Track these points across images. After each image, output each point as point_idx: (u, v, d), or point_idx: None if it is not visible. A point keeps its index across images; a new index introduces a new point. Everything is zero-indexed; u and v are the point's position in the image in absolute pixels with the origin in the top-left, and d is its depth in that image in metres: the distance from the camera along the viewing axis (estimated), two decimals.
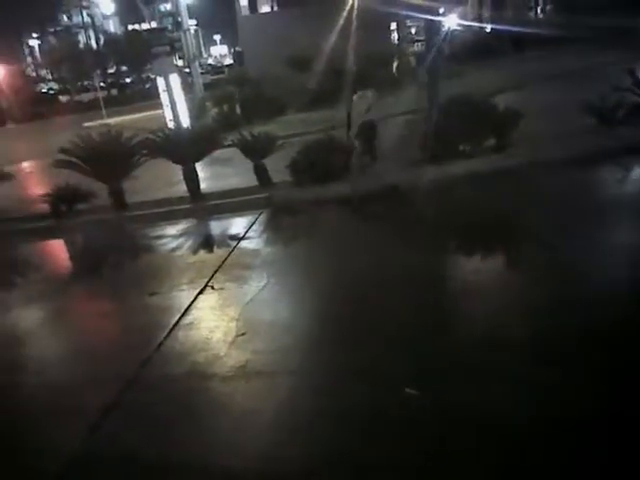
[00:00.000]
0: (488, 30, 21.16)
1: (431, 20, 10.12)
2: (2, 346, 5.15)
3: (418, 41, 20.69)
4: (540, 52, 17.21)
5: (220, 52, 71.49)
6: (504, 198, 6.95)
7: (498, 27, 20.29)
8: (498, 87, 11.59)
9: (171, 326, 4.90)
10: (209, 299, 5.43)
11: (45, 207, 9.00)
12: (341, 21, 18.27)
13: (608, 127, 8.20)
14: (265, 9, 31.27)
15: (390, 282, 5.17)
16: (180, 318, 5.05)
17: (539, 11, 22.48)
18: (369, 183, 8.01)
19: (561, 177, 7.22)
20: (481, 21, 22.00)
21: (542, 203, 6.57)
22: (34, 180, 13.32)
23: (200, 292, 5.55)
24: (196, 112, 16.56)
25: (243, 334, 4.54)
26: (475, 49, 18.64)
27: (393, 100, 14.17)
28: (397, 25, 21.29)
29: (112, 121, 21.23)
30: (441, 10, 11.77)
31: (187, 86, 17.81)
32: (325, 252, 6.24)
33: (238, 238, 6.99)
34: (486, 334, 4.01)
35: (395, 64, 20.61)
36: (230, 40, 60.77)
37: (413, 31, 22.22)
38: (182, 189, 9.02)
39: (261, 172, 8.79)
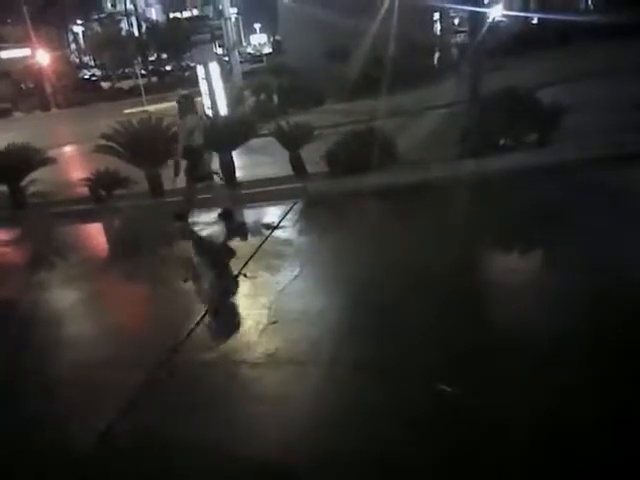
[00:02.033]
0: (534, 21, 20.65)
1: (475, 11, 9.93)
2: (41, 325, 5.35)
3: (461, 32, 20.30)
4: (589, 45, 16.70)
5: (259, 41, 71.74)
6: (546, 195, 6.81)
7: (545, 18, 19.76)
8: (543, 80, 11.32)
9: (203, 312, 5.01)
10: (242, 286, 5.52)
11: (85, 191, 9.26)
12: (383, 11, 18.07)
13: None
14: None
15: (424, 275, 5.15)
16: (213, 304, 5.15)
17: (589, 2, 21.82)
18: (406, 176, 7.96)
19: (606, 175, 7.02)
20: (527, 12, 21.45)
21: (584, 203, 6.41)
22: (75, 164, 13.70)
23: (233, 280, 5.64)
24: (234, 100, 16.69)
25: (274, 322, 4.61)
26: (520, 41, 18.24)
27: (433, 92, 14.04)
28: (440, 15, 20.93)
29: (152, 108, 21.58)
30: (486, 0, 11.55)
31: (226, 74, 17.96)
32: (359, 243, 6.24)
33: (272, 227, 7.07)
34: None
35: (437, 55, 20.34)
36: (270, 29, 60.90)
37: (456, 22, 21.81)
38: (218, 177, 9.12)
39: (296, 162, 8.84)
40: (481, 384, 3.46)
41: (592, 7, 21.28)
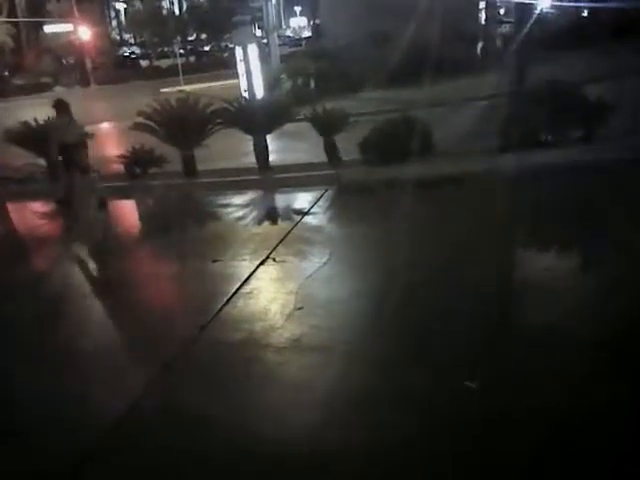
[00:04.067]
0: (585, 14, 20.04)
1: (522, 1, 9.70)
2: (72, 302, 5.50)
3: (507, 22, 19.84)
4: None
5: (299, 24, 71.40)
6: (580, 193, 6.66)
7: (597, 11, 19.14)
8: (590, 76, 10.99)
9: (231, 294, 5.06)
10: (270, 271, 5.56)
11: (121, 168, 9.42)
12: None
13: None
14: None
15: (455, 266, 5.12)
16: (240, 287, 5.21)
17: None
18: (441, 168, 7.87)
19: None
20: (579, 3, 20.81)
21: (624, 202, 6.25)
22: (112, 141, 13.95)
23: (261, 263, 5.69)
24: (271, 84, 16.71)
25: (300, 308, 4.64)
26: (569, 33, 17.71)
27: (475, 83, 13.79)
28: (486, 4, 20.49)
29: (189, 88, 21.75)
30: None
31: (264, 57, 17.96)
32: (390, 233, 6.21)
33: (303, 213, 7.09)
34: None
35: (480, 45, 19.93)
36: (310, 12, 60.53)
37: (502, 11, 21.34)
38: (252, 160, 9.19)
39: (331, 148, 8.81)
40: None
41: None
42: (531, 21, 9.87)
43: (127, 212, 8.83)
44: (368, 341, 4.15)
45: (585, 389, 3.31)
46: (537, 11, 10.94)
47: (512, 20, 15.39)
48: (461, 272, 5.04)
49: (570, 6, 20.15)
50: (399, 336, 4.14)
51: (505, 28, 20.04)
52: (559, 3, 19.93)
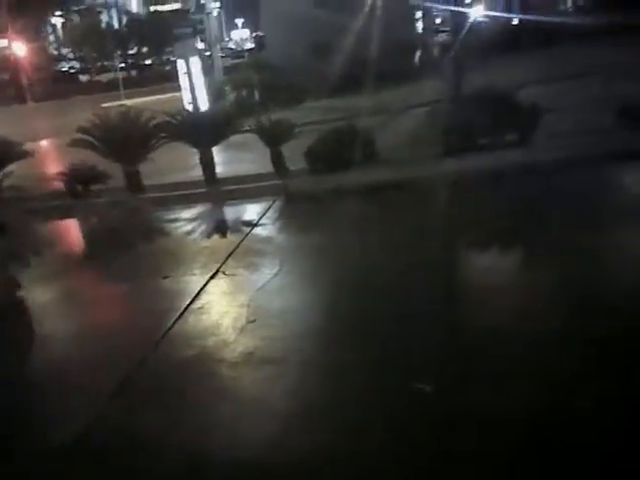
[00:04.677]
0: (516, 22, 20.83)
1: (456, 10, 10.00)
2: (16, 326, 5.24)
3: (443, 31, 20.42)
4: (570, 47, 16.87)
5: (241, 36, 71.26)
6: (520, 195, 6.88)
7: (527, 19, 19.94)
8: (523, 81, 11.41)
9: (182, 310, 4.94)
10: (220, 284, 5.46)
11: (61, 186, 9.09)
12: (366, 9, 18.09)
13: (637, 126, 8.02)
14: None
15: (403, 273, 5.15)
16: (191, 302, 5.09)
17: (571, 4, 22.12)
18: (386, 174, 7.97)
19: (581, 175, 7.12)
20: (509, 12, 21.64)
21: (558, 202, 6.49)
22: (52, 158, 13.47)
23: (212, 277, 5.58)
24: (215, 96, 16.56)
25: (253, 321, 4.57)
26: (502, 41, 18.37)
27: (414, 90, 14.07)
28: (423, 14, 21.02)
29: (131, 102, 21.31)
30: (467, 0, 11.61)
31: (207, 69, 17.81)
32: (339, 241, 6.23)
33: (252, 224, 7.02)
34: None
35: (418, 54, 20.40)
36: (252, 24, 60.51)
37: (438, 21, 21.94)
38: (199, 173, 9.05)
39: (277, 159, 8.79)
40: None
41: (574, 9, 21.56)
42: (466, 30, 10.20)
43: (67, 231, 8.52)
44: (322, 349, 4.13)
45: (527, 390, 3.38)
46: (471, 20, 11.32)
47: (448, 29, 15.84)
48: (410, 276, 5.09)
49: (501, 16, 20.94)
50: (353, 342, 4.13)
51: (442, 37, 20.57)
52: (491, 13, 20.70)
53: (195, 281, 5.55)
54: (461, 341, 3.99)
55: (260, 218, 7.23)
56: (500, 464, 2.81)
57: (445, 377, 3.54)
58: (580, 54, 15.17)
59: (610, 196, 6.68)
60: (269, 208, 7.60)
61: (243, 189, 8.37)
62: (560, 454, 2.79)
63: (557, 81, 12.53)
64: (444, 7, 18.47)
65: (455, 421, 3.14)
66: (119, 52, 38.27)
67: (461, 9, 10.41)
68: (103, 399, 3.78)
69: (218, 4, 54.55)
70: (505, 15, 21.40)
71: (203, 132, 8.90)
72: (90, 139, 8.94)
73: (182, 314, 4.87)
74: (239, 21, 73.05)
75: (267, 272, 5.51)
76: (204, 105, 14.95)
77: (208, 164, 8.95)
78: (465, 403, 3.25)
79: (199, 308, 4.99)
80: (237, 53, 44.06)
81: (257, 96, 17.24)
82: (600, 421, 2.99)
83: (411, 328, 4.19)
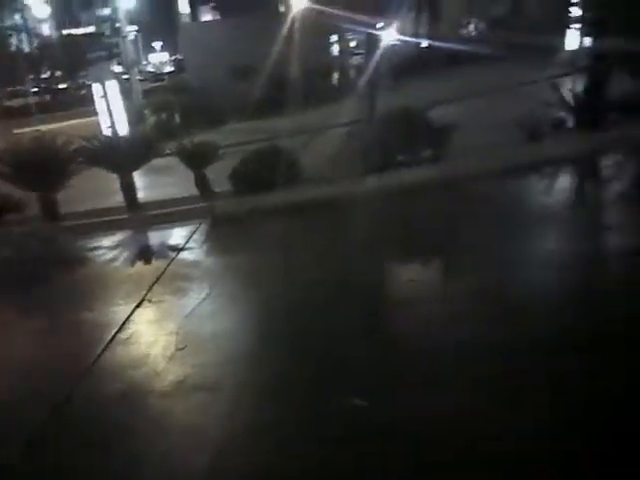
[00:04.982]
0: (424, 45, 21.74)
1: (370, 34, 10.30)
2: None
3: (358, 54, 20.96)
4: (473, 68, 17.78)
5: (160, 59, 69.94)
6: (439, 208, 7.12)
7: (434, 43, 20.86)
8: (434, 100, 11.87)
9: (107, 342, 4.71)
10: (147, 313, 5.26)
11: None
12: (283, 32, 18.30)
13: (536, 140, 8.55)
14: (207, 18, 30.97)
15: (331, 291, 5.15)
16: (116, 333, 4.87)
17: (473, 28, 23.40)
18: (310, 193, 8.02)
19: (492, 187, 7.48)
20: (418, 36, 22.59)
21: (473, 212, 6.77)
22: None
23: (137, 306, 5.36)
24: (134, 120, 16.11)
25: (182, 348, 4.42)
26: (412, 63, 19.09)
27: (334, 111, 14.30)
28: (338, 38, 21.50)
29: (45, 128, 20.27)
30: (379, 25, 12.01)
31: (125, 93, 17.32)
32: (266, 262, 6.18)
33: (178, 249, 6.82)
34: None
35: (336, 75, 20.80)
36: (171, 47, 59.58)
37: (353, 44, 22.53)
38: (119, 199, 8.72)
39: (201, 181, 8.63)
40: None
41: (475, 34, 22.81)
42: (380, 52, 10.51)
43: None
44: (255, 371, 4.05)
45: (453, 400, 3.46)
46: (384, 43, 11.68)
47: (362, 52, 16.27)
48: (338, 292, 5.11)
49: (412, 40, 21.79)
50: (286, 361, 4.08)
51: (357, 59, 21.10)
52: (402, 37, 21.50)
53: (120, 311, 5.30)
54: (393, 356, 4.02)
55: (186, 242, 7.05)
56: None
57: (378, 391, 3.56)
58: (483, 74, 16.01)
59: (516, 205, 7.02)
60: (195, 231, 7.43)
61: (167, 213, 8.14)
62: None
63: (463, 99, 13.15)
64: (358, 31, 19.00)
65: (387, 431, 3.15)
66: (31, 76, 36.45)
67: (374, 32, 10.71)
68: (27, 435, 3.52)
69: (135, 27, 53.34)
70: (415, 39, 22.31)
71: (123, 157, 8.60)
72: (0, 167, 8.40)
73: (107, 346, 4.65)
74: (157, 44, 71.74)
75: (195, 297, 5.37)
76: (123, 129, 14.50)
77: (129, 189, 8.65)
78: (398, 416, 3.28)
79: (126, 339, 4.77)
80: (156, 76, 43.11)
81: (179, 119, 16.94)
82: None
83: (343, 344, 4.20)
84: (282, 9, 23.53)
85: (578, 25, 14.83)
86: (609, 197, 6.96)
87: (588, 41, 12.28)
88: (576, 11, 16.19)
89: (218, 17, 30.41)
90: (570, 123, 8.81)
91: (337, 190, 8.00)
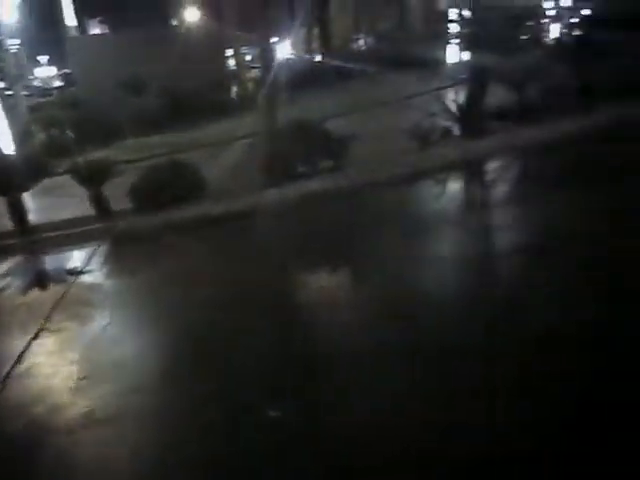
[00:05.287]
0: (317, 60, 22.16)
1: (264, 48, 10.31)
2: None
3: (254, 68, 20.95)
4: (363, 81, 18.32)
5: (47, 74, 65.79)
6: (340, 217, 7.23)
7: (326, 57, 21.32)
8: (330, 113, 12.11)
9: (3, 378, 4.31)
10: (46, 343, 4.88)
11: None
12: (177, 45, 17.92)
13: (426, 148, 8.96)
14: (95, 31, 29.57)
15: (238, 309, 5.03)
16: (12, 367, 4.48)
17: (362, 43, 24.20)
18: (214, 207, 7.86)
19: (390, 193, 7.73)
20: (311, 52, 23.00)
21: (373, 219, 6.95)
22: None
23: (35, 336, 4.97)
24: (21, 137, 14.98)
25: (85, 378, 4.14)
26: (306, 77, 19.37)
27: (233, 124, 14.19)
28: (234, 52, 21.38)
29: None
30: (273, 39, 12.09)
31: (9, 109, 16.08)
32: (170, 281, 5.94)
33: (76, 273, 6.41)
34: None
35: (234, 89, 20.65)
36: (58, 61, 56.21)
37: (249, 58, 22.48)
38: (7, 223, 8.03)
39: (99, 200, 8.17)
40: None
41: (365, 49, 23.59)
42: (275, 66, 10.56)
43: None
44: (162, 397, 3.87)
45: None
46: (279, 57, 11.78)
47: (259, 66, 16.29)
48: (242, 307, 4.99)
49: (306, 54, 22.19)
50: (193, 383, 3.94)
51: (254, 73, 21.08)
52: (297, 51, 21.83)
53: (16, 343, 4.88)
54: (309, 370, 3.97)
55: (85, 265, 6.64)
56: None
57: (292, 401, 3.54)
58: (372, 87, 16.57)
59: (413, 209, 7.31)
60: (93, 253, 7.02)
61: (63, 236, 7.62)
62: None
63: (356, 111, 13.50)
64: (253, 45, 19.03)
65: (306, 437, 3.14)
66: None
67: (268, 47, 10.74)
68: None
69: (17, 41, 49.81)
70: (308, 54, 22.73)
71: (9, 177, 7.96)
72: None
73: (4, 382, 4.25)
74: (43, 58, 67.46)
75: (97, 323, 5.06)
76: (9, 148, 13.46)
77: (18, 212, 8.00)
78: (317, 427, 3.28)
79: (23, 373, 4.40)
80: (44, 91, 40.49)
81: (71, 135, 15.96)
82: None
83: (248, 360, 4.10)
84: (175, 22, 23.08)
85: (457, 40, 15.73)
86: (494, 198, 7.43)
87: (466, 55, 13.15)
88: (454, 27, 17.24)
89: (107, 31, 29.20)
90: (455, 131, 9.31)
91: (240, 203, 7.91)
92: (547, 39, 14.87)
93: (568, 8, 17.48)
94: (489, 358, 3.66)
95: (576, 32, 14.89)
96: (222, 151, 11.39)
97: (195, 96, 15.64)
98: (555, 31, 15.67)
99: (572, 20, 15.77)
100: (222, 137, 12.74)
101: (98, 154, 8.88)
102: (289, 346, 4.29)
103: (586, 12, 16.25)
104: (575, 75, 9.48)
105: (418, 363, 3.73)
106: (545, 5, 16.75)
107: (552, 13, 16.64)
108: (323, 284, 5.47)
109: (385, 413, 3.30)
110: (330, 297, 5.06)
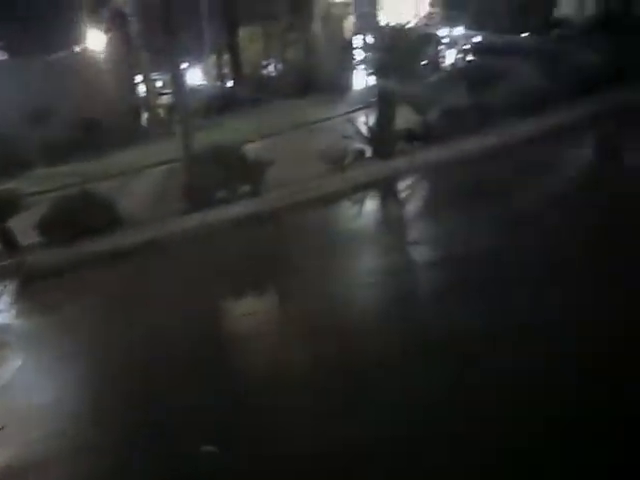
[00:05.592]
0: (228, 86, 22.05)
1: (175, 74, 10.16)
2: None
3: (165, 94, 20.47)
4: (274, 106, 18.30)
5: None
6: (261, 241, 7.16)
7: (237, 83, 21.27)
8: (244, 138, 12.05)
9: None
10: None
11: None
12: (82, 73, 17.21)
13: (340, 171, 9.13)
14: None
15: (161, 344, 4.77)
16: None
17: (272, 69, 24.42)
18: (131, 237, 7.56)
19: (309, 215, 7.79)
20: (222, 78, 22.94)
21: (294, 241, 6.97)
22: None
23: None
24: None
25: (1, 428, 3.80)
26: (218, 103, 19.21)
27: (146, 151, 13.79)
28: (143, 77, 20.81)
29: None
30: (184, 65, 11.93)
31: None
32: (87, 318, 5.61)
33: None
34: None
35: (145, 116, 20.08)
36: None
37: (160, 84, 21.95)
38: None
39: (5, 235, 7.62)
40: None
41: (275, 74, 23.75)
42: (187, 92, 10.42)
43: None
44: (86, 441, 3.60)
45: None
46: (190, 83, 11.63)
47: (170, 92, 15.99)
48: (167, 341, 4.77)
49: (217, 81, 22.10)
50: (115, 425, 3.72)
51: (165, 99, 20.60)
52: (208, 78, 21.67)
53: None
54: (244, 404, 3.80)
55: None
56: None
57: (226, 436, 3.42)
58: (283, 112, 16.65)
59: (333, 229, 7.40)
60: (2, 292, 6.50)
61: None
62: None
63: (270, 136, 13.53)
64: (163, 71, 18.70)
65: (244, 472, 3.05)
66: None
67: (179, 73, 10.56)
68: None
69: None
70: (218, 80, 22.67)
71: None
72: None
73: None
74: None
75: (9, 367, 4.66)
76: None
77: None
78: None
79: None
80: None
81: None
82: None
83: (174, 398, 3.88)
84: (78, 49, 22.15)
85: (362, 66, 16.25)
86: (407, 215, 7.70)
87: (372, 80, 13.63)
88: (360, 54, 17.87)
89: (5, 57, 27.49)
90: (368, 153, 9.58)
91: (157, 232, 7.67)
92: (444, 64, 15.71)
93: (462, 36, 18.71)
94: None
95: (469, 57, 15.92)
96: (135, 179, 11.02)
97: (104, 123, 15.07)
98: (451, 57, 16.60)
99: (465, 47, 16.82)
100: (134, 165, 12.30)
101: (3, 186, 8.25)
102: (217, 378, 4.13)
103: (477, 39, 17.45)
104: (470, 97, 10.09)
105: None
106: (440, 33, 17.77)
107: (447, 40, 17.66)
108: (249, 308, 5.38)
109: None
110: (256, 320, 4.98)
